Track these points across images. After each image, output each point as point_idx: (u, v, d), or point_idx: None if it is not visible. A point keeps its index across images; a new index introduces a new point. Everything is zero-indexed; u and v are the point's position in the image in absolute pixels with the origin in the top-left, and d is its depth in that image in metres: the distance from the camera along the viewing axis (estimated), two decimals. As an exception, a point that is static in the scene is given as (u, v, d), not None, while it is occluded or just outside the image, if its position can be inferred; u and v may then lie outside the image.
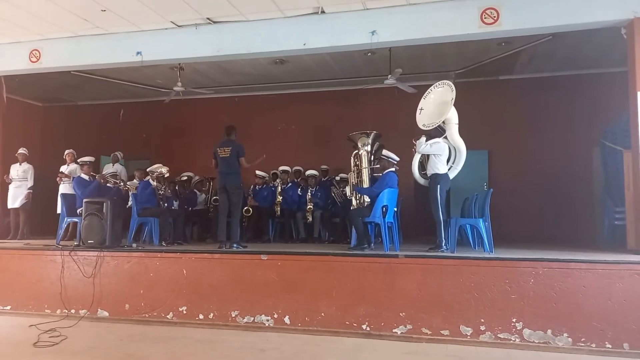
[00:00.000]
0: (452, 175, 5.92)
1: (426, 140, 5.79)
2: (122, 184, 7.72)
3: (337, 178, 8.23)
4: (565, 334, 4.63)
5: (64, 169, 8.23)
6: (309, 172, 8.42)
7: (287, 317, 5.34)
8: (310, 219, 7.96)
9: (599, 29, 6.03)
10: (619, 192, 6.29)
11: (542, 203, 8.81)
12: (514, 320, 4.75)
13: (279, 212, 8.13)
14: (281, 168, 8.67)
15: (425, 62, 8.53)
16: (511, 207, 8.54)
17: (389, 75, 7.81)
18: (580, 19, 5.84)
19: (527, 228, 8.64)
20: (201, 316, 5.58)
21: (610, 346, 4.53)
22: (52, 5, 6.31)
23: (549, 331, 4.67)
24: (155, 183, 7.26)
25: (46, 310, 6.03)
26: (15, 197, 8.22)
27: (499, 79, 9.39)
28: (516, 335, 4.73)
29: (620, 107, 6.45)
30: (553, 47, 7.71)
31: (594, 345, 4.57)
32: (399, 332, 5.01)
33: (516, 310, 4.76)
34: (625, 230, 5.83)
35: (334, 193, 8.10)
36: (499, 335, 4.77)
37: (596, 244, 7.20)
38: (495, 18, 5.99)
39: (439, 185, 5.72)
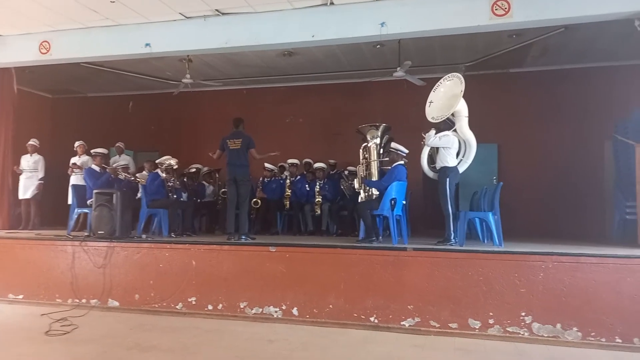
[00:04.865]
0: (462, 169, 5.89)
1: (435, 133, 5.76)
2: (132, 177, 7.75)
3: (346, 172, 8.22)
4: (574, 328, 4.61)
5: (75, 160, 8.28)
6: (317, 164, 8.41)
7: (295, 308, 5.36)
8: (319, 211, 7.96)
9: (612, 20, 5.93)
10: (630, 186, 6.22)
11: (552, 197, 8.74)
12: (523, 314, 4.74)
13: (288, 205, 8.14)
14: (290, 161, 8.67)
15: (434, 54, 8.46)
16: (521, 200, 8.47)
17: (398, 68, 7.76)
18: (593, 11, 5.75)
19: (536, 222, 8.59)
20: (210, 307, 5.62)
21: (620, 341, 4.51)
22: (62, -4, 6.34)
23: (559, 325, 4.65)
24: (164, 175, 7.29)
25: (57, 300, 6.11)
26: (26, 188, 8.30)
27: (510, 72, 9.28)
28: (525, 329, 4.72)
29: (634, 101, 6.38)
30: (565, 39, 7.61)
31: (603, 339, 4.55)
32: (407, 325, 5.02)
33: (525, 304, 4.75)
34: (636, 225, 5.76)
35: (342, 186, 8.09)
36: (507, 329, 4.76)
37: (606, 238, 7.14)
38: (507, 9, 5.92)
39: (448, 179, 5.69)
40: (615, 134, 7.24)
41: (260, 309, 5.46)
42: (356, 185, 6.75)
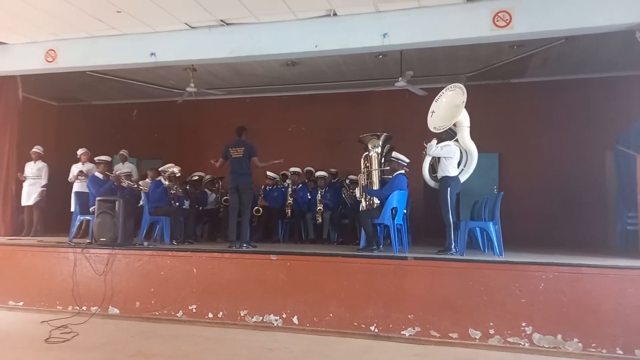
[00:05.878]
0: (463, 179, 5.90)
1: (437, 143, 5.79)
2: (135, 185, 7.79)
3: (347, 180, 8.25)
4: (575, 339, 4.59)
5: (78, 167, 8.33)
6: (319, 173, 8.45)
7: (295, 317, 5.36)
8: (320, 220, 7.97)
9: (612, 32, 5.97)
10: (632, 196, 6.22)
11: (553, 207, 8.72)
12: (523, 324, 4.72)
13: (289, 214, 8.16)
14: (292, 169, 8.70)
15: (436, 64, 8.51)
16: (522, 210, 8.46)
17: (400, 78, 7.80)
18: (593, 22, 5.80)
19: (537, 232, 8.57)
20: (210, 315, 5.62)
21: (621, 352, 4.48)
22: (68, 5, 6.42)
23: (559, 336, 4.63)
24: (167, 182, 7.33)
25: (58, 307, 6.11)
26: (29, 195, 8.35)
27: (511, 82, 9.33)
28: (525, 340, 4.70)
29: (635, 111, 6.40)
30: (566, 50, 7.65)
31: (604, 351, 4.52)
32: (407, 334, 5.00)
33: (526, 314, 4.73)
34: (638, 235, 5.76)
35: (344, 194, 8.11)
36: (508, 339, 4.74)
37: (608, 248, 7.13)
38: (508, 21, 5.97)
39: (449, 188, 5.70)
40: (617, 145, 7.26)
41: (261, 317, 5.46)
42: (357, 194, 6.77)
